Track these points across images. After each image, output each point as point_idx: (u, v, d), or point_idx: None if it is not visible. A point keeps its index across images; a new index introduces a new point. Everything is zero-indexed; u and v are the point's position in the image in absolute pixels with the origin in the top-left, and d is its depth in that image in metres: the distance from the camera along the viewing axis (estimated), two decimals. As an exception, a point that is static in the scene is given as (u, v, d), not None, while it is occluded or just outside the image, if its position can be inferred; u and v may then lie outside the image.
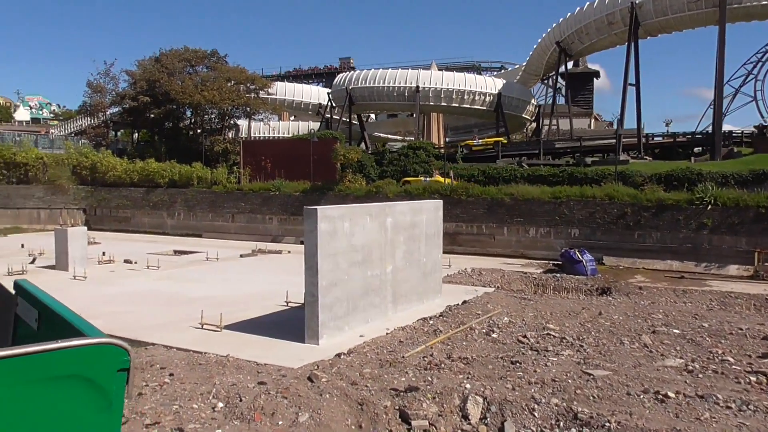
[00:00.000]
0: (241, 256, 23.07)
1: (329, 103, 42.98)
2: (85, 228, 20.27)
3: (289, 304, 13.97)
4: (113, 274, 18.77)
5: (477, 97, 40.80)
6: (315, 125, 48.86)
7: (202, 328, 11.75)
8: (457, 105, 40.78)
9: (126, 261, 21.60)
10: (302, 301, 13.79)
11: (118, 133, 53.25)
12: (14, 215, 35.35)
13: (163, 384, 8.51)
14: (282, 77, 70.25)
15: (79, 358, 2.62)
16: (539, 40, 45.02)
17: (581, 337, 11.15)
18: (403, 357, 9.89)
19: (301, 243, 28.62)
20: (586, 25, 38.59)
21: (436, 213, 14.29)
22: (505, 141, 39.53)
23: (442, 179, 27.98)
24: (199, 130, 45.01)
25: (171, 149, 41.93)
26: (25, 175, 36.03)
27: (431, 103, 40.55)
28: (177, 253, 24.97)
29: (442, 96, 40.27)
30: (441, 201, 15.08)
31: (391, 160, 30.85)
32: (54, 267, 20.05)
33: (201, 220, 30.99)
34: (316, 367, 9.35)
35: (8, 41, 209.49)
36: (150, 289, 16.31)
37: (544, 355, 10.07)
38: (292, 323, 12.15)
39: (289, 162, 33.21)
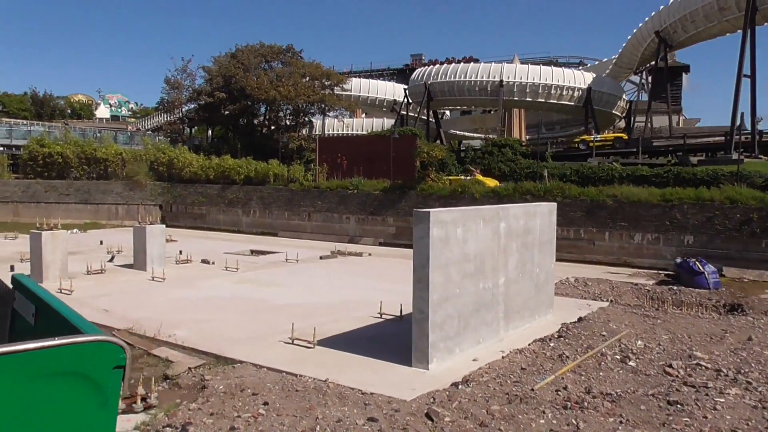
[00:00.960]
0: (321, 257, 21.92)
1: (405, 99, 41.64)
2: (164, 226, 19.58)
3: (383, 316, 12.58)
4: (191, 276, 17.91)
5: (565, 92, 38.48)
6: (388, 122, 47.63)
7: (292, 344, 10.49)
8: (543, 100, 38.57)
9: (203, 261, 20.81)
10: (397, 313, 12.47)
11: (193, 130, 53.50)
12: (93, 210, 35.60)
13: (257, 416, 7.25)
14: (352, 74, 69.48)
15: (76, 355, 2.64)
16: (634, 31, 42.26)
17: (742, 371, 9.27)
18: (533, 390, 8.31)
19: (380, 244, 27.70)
20: (693, 12, 35.72)
21: (549, 217, 12.62)
22: (626, 137, 36.85)
23: (482, 178, 26.85)
24: (273, 127, 44.54)
25: (245, 146, 41.55)
26: (104, 170, 36.25)
27: (515, 98, 38.50)
28: (254, 252, 24.10)
29: (528, 91, 38.14)
30: (555, 204, 13.36)
31: (474, 158, 29.15)
32: (132, 266, 19.42)
33: (276, 219, 30.16)
34: (432, 400, 7.89)
35: (90, 42, 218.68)
36: (231, 293, 15.28)
37: (706, 394, 8.27)
38: (391, 340, 10.77)
39: (365, 159, 31.99)
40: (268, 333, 11.32)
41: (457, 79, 38.97)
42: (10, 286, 4.04)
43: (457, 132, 45.67)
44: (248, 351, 10.04)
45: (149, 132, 56.99)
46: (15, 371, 2.52)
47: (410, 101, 41.55)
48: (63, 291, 14.80)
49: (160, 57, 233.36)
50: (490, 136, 45.34)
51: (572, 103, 38.97)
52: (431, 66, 40.45)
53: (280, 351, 10.13)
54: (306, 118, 43.67)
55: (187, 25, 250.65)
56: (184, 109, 45.62)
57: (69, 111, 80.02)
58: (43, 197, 35.81)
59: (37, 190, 35.90)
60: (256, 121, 45.59)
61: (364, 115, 53.20)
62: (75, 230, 30.64)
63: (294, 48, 44.28)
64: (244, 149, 39.32)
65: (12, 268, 18.37)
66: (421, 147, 27.10)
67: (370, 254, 23.03)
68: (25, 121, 52.51)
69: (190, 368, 9.29)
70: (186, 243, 25.38)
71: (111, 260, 20.52)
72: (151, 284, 16.31)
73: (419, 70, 42.80)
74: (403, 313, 12.39)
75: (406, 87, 45.42)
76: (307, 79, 41.59)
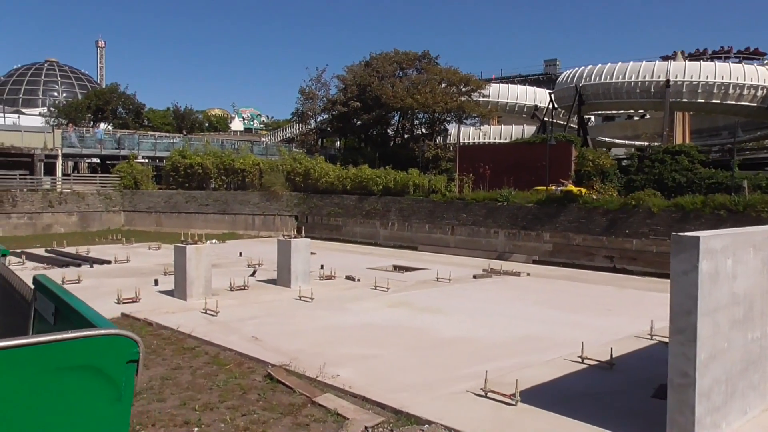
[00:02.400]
0: (475, 276, 19.63)
1: (550, 104, 38.61)
2: (309, 240, 18.19)
3: (585, 361, 10.04)
4: (339, 296, 16.24)
5: (746, 91, 33.60)
6: (528, 129, 44.61)
7: (485, 396, 8.27)
8: (718, 101, 33.79)
9: (348, 277, 19.20)
10: (602, 358, 9.91)
11: (323, 141, 53.24)
12: (231, 221, 35.58)
13: None
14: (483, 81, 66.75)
15: (89, 348, 2.66)
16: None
17: None
18: None
19: (534, 262, 24.87)
20: None
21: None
22: None
23: (575, 189, 25.21)
24: (406, 136, 43.01)
25: (377, 156, 40.29)
26: (242, 181, 36.19)
27: (684, 100, 34.03)
28: (397, 269, 22.27)
29: (700, 91, 33.59)
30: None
31: (641, 166, 25.71)
32: (275, 282, 18.15)
33: (416, 232, 28.26)
34: None
35: (226, 59, 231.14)
36: (387, 320, 13.34)
37: None
38: (614, 400, 8.27)
39: (511, 168, 29.42)
40: (447, 378, 9.19)
41: (614, 80, 35.25)
42: (32, 287, 4.07)
43: (606, 139, 41.87)
44: (433, 406, 7.92)
45: (282, 143, 57.57)
46: (29, 364, 2.53)
47: (555, 106, 38.50)
48: (208, 312, 13.54)
49: (290, 71, 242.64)
50: (643, 144, 41.14)
51: (754, 104, 33.89)
52: (582, 67, 37.20)
53: (473, 408, 7.93)
54: (442, 126, 41.70)
55: (321, 34, 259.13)
56: (318, 119, 45.16)
57: (206, 124, 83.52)
58: (183, 207, 36.32)
59: (179, 200, 36.47)
60: (388, 131, 44.29)
61: (493, 121, 50.46)
62: (214, 241, 30.42)
63: (430, 54, 42.52)
64: (378, 159, 38.04)
65: (156, 282, 17.67)
66: (586, 154, 24.14)
67: (528, 274, 20.43)
68: (167, 134, 54.61)
69: (367, 428, 7.32)
70: (324, 256, 24.11)
71: (253, 274, 19.42)
72: (298, 306, 14.74)
73: (568, 71, 39.55)
74: (613, 357, 9.82)
75: (550, 91, 42.24)
76: (444, 85, 39.62)
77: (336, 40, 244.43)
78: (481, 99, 40.65)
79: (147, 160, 42.72)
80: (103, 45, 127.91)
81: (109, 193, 37.01)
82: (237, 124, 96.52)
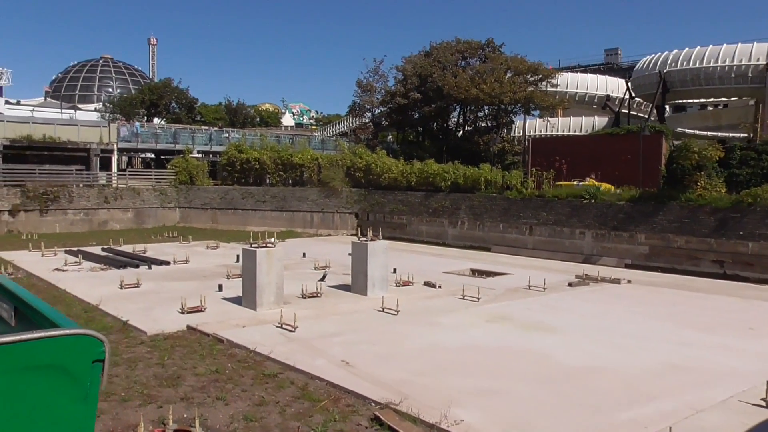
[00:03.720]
0: (570, 284, 17.48)
1: (626, 93, 35.85)
2: (386, 243, 16.39)
3: (771, 405, 7.90)
4: (425, 307, 14.38)
5: None
6: (600, 121, 41.84)
7: (671, 462, 6.27)
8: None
9: (426, 284, 17.35)
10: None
11: (379, 135, 51.49)
12: (289, 218, 34.15)
13: None
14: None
15: (54, 348, 2.63)
16: None
17: None
18: None
19: (627, 266, 22.36)
20: None
21: None
22: None
23: (597, 183, 24.68)
24: (468, 128, 40.86)
25: (438, 150, 38.28)
26: (300, 176, 34.73)
27: (788, 85, 30.79)
28: (476, 273, 20.31)
29: (811, 73, 30.18)
30: None
31: (745, 159, 23.06)
32: (348, 288, 16.43)
33: (489, 231, 26.18)
34: None
35: (276, 54, 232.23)
36: (491, 340, 11.40)
37: None
38: None
39: (590, 163, 27.08)
40: (607, 427, 7.21)
41: (704, 65, 32.18)
42: None
43: (685, 130, 38.79)
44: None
45: (333, 138, 56.04)
46: None
47: (633, 95, 35.70)
48: (285, 326, 11.85)
49: (339, 67, 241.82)
50: (726, 135, 38.02)
51: None
52: (666, 52, 34.28)
53: (664, 482, 5.95)
54: (508, 118, 39.39)
55: (377, 25, 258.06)
56: (375, 112, 43.37)
57: (258, 119, 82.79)
58: (240, 204, 35.08)
59: (235, 196, 35.24)
60: (449, 124, 42.22)
61: (560, 113, 47.74)
62: (273, 239, 28.92)
63: (494, 42, 40.19)
64: (438, 154, 36.07)
65: (220, 287, 16.14)
66: (690, 146, 21.63)
67: (629, 281, 18.17)
68: (216, 129, 53.70)
69: None
70: (391, 257, 22.37)
71: (323, 279, 17.74)
72: (384, 320, 12.93)
73: (648, 57, 36.62)
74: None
75: (624, 79, 39.39)
76: (510, 75, 37.29)
77: (388, 32, 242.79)
78: (549, 89, 38.13)
79: (201, 155, 41.77)
80: (155, 42, 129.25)
81: (164, 189, 36.05)
82: (287, 119, 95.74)
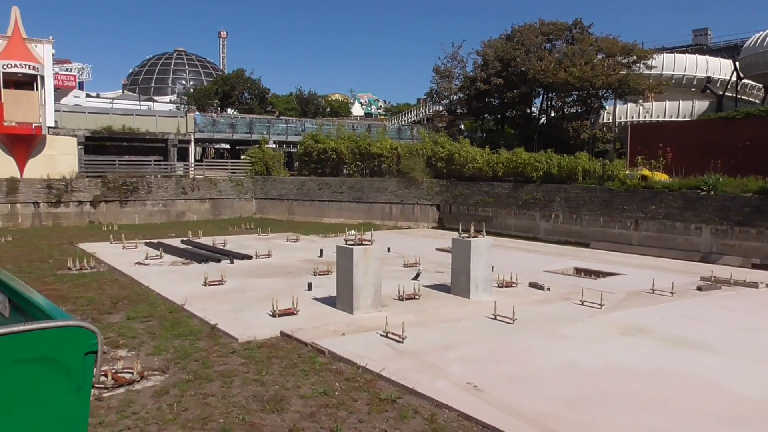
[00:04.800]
0: (700, 288, 15.39)
1: (732, 74, 32.74)
2: (491, 240, 14.77)
3: None
4: (540, 313, 12.72)
5: None
6: (699, 105, 38.63)
7: None
8: None
9: (532, 285, 15.64)
10: None
11: (456, 122, 49.65)
12: (366, 210, 32.95)
13: None
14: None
15: (47, 340, 2.61)
16: None
17: None
18: None
19: (754, 266, 19.25)
20: None
21: None
22: None
23: (649, 173, 23.83)
24: (555, 114, 38.55)
25: (522, 138, 36.22)
26: (378, 167, 33.43)
27: None
28: (582, 273, 18.44)
29: None
30: None
31: None
32: (446, 288, 14.94)
33: (588, 225, 24.12)
34: None
35: (345, 45, 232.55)
36: (637, 359, 9.64)
37: None
38: None
39: (700, 151, 24.58)
40: None
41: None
42: None
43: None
44: None
45: (406, 127, 54.55)
46: None
47: (741, 76, 32.51)
48: (390, 336, 10.45)
49: (408, 56, 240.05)
50: None
51: None
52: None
53: None
54: (598, 103, 36.84)
55: (443, 11, 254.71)
56: (453, 99, 41.57)
57: (328, 109, 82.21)
58: (316, 195, 34.14)
59: (312, 187, 34.32)
60: (532, 110, 40.00)
61: (652, 98, 44.57)
62: (352, 232, 27.75)
63: (582, 22, 37.63)
64: (520, 142, 34.03)
65: (309, 286, 14.94)
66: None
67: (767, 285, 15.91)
68: (294, 119, 53.11)
69: None
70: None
71: (416, 278, 16.30)
72: (500, 329, 11.34)
73: (762, 33, 33.34)
74: None
75: (732, 59, 36.10)
76: (600, 57, 34.76)
77: (458, 18, 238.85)
78: (644, 71, 35.35)
79: (275, 146, 41.12)
80: (225, 36, 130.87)
81: (241, 180, 35.52)
82: (357, 109, 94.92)
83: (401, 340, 10.21)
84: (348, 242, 12.91)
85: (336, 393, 8.08)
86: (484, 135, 38.54)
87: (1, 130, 29.30)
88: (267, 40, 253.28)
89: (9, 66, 29.29)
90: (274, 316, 12.09)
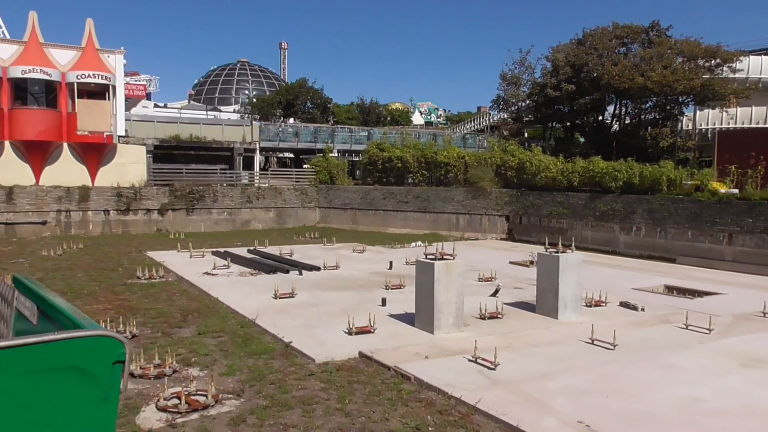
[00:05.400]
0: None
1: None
2: (581, 256, 13.66)
3: None
4: (639, 337, 11.54)
5: None
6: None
7: None
8: None
9: (624, 305, 14.41)
10: None
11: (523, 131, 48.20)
12: (432, 220, 32.06)
13: None
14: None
15: (75, 349, 2.64)
16: None
17: None
18: None
19: None
20: None
21: None
22: None
23: (705, 182, 22.29)
24: (631, 121, 36.79)
25: (595, 146, 34.64)
26: (444, 176, 32.50)
27: None
28: (674, 291, 17.01)
29: None
30: None
31: None
32: (528, 306, 13.90)
33: (674, 239, 22.52)
34: None
35: (404, 54, 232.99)
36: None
37: None
38: None
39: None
40: None
41: None
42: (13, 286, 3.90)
43: None
44: None
45: (470, 135, 53.39)
46: (13, 366, 2.50)
47: None
48: (480, 361, 9.52)
49: (468, 64, 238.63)
50: None
51: None
52: None
53: None
54: (678, 109, 34.91)
55: (505, 19, 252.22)
56: (520, 106, 40.28)
57: (389, 118, 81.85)
58: (381, 204, 33.48)
59: (376, 196, 33.68)
60: (604, 117, 38.31)
61: (734, 104, 41.94)
62: (419, 242, 26.99)
63: (659, 25, 35.80)
64: (591, 150, 32.48)
65: (383, 302, 14.17)
66: None
67: None
68: (357, 128, 52.79)
69: None
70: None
71: (495, 294, 15.31)
72: (598, 355, 10.24)
73: None
74: None
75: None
76: (680, 60, 32.89)
77: (521, 25, 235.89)
78: (728, 75, 33.26)
79: (338, 154, 40.78)
80: (286, 47, 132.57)
81: (305, 189, 35.23)
82: (417, 118, 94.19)
83: (493, 366, 9.27)
84: (428, 256, 12.04)
85: (430, 428, 7.23)
86: (554, 143, 37.05)
87: (75, 138, 29.87)
88: (327, 50, 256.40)
89: (83, 76, 29.88)
90: (350, 334, 11.36)
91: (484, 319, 12.80)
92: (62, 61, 29.99)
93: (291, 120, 56.70)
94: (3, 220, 27.93)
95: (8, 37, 38.82)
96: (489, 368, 9.28)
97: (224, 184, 33.63)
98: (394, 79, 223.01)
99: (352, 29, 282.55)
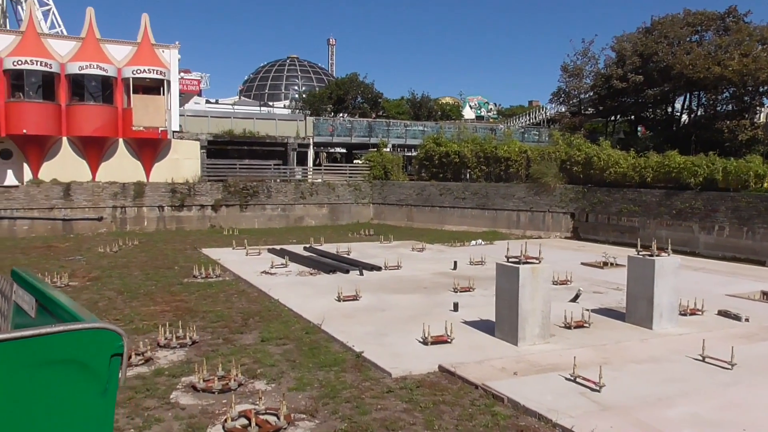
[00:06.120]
0: None
1: None
2: (678, 259, 12.32)
3: None
4: (754, 354, 10.15)
5: None
6: None
7: None
8: None
9: (723, 313, 13.00)
10: None
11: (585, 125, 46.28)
12: (491, 217, 30.78)
13: None
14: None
15: (73, 342, 2.64)
16: None
17: None
18: None
19: None
20: None
21: None
22: None
23: None
24: (701, 113, 34.70)
25: (664, 140, 32.74)
26: (504, 171, 31.17)
27: None
28: (773, 298, 15.43)
29: None
30: None
31: None
32: (619, 315, 12.64)
33: (763, 240, 20.75)
34: None
35: (453, 50, 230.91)
36: None
37: None
38: None
39: None
40: None
41: None
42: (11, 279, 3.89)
43: None
44: None
45: (520, 129, 51.67)
46: (11, 359, 2.51)
47: None
48: (581, 381, 8.38)
49: (516, 57, 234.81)
50: None
51: None
52: None
53: None
54: (759, 100, 32.74)
55: (567, 9, 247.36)
56: (582, 98, 38.53)
57: (439, 112, 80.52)
58: (437, 201, 32.38)
59: (432, 192, 32.61)
60: (674, 109, 36.28)
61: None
62: (479, 241, 25.84)
63: (737, 10, 33.58)
64: (659, 144, 30.61)
65: (456, 307, 13.11)
66: None
67: None
68: (411, 122, 51.69)
69: None
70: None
71: (575, 299, 14.08)
72: (715, 376, 8.96)
73: None
74: None
75: None
76: (762, 47, 30.73)
77: (600, 10, 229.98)
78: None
79: (388, 149, 39.82)
80: (334, 43, 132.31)
81: (359, 184, 34.41)
82: (468, 112, 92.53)
83: (597, 388, 8.11)
84: (510, 260, 10.93)
85: (540, 467, 6.16)
86: (623, 136, 35.26)
87: (130, 134, 29.73)
88: (373, 44, 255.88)
89: (138, 71, 29.69)
90: (425, 343, 10.37)
91: (569, 328, 11.63)
92: (118, 57, 29.88)
93: (341, 115, 56.05)
94: (60, 216, 27.96)
95: (65, 33, 39.17)
96: (592, 389, 8.13)
97: (278, 180, 33.10)
98: (443, 73, 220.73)
99: (399, 23, 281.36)
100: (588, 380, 8.31)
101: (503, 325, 10.84)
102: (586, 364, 8.90)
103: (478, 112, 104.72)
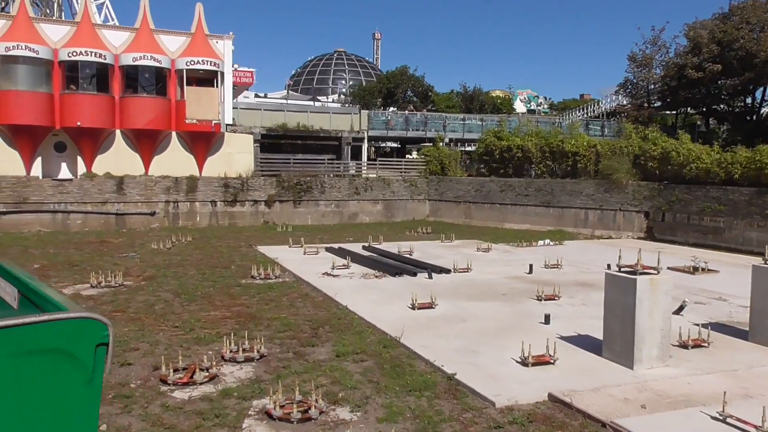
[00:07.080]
0: None
1: None
2: (815, 269, 10.66)
3: None
4: None
5: None
6: None
7: None
8: None
9: None
10: None
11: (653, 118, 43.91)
12: (557, 215, 29.08)
13: None
14: None
15: (58, 332, 2.60)
16: None
17: None
18: None
19: None
20: None
21: None
22: None
23: None
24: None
25: (746, 134, 30.43)
26: (571, 166, 29.38)
27: None
28: None
29: None
30: None
31: None
32: (736, 332, 11.04)
33: None
34: None
35: (501, 41, 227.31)
36: None
37: None
38: None
39: None
40: None
41: None
42: None
43: None
44: None
45: (588, 122, 49.44)
46: None
47: None
48: (732, 422, 6.90)
49: (566, 51, 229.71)
50: None
51: None
52: None
53: None
54: None
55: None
56: (651, 88, 36.34)
57: (490, 106, 78.64)
58: (497, 197, 30.83)
59: (492, 189, 31.06)
60: (755, 101, 33.85)
61: None
62: (547, 241, 24.22)
63: (829, -9, 30.99)
64: (758, 139, 28.36)
65: (547, 319, 11.67)
66: None
67: None
68: (469, 116, 50.04)
69: None
70: (723, 276, 17.21)
71: (679, 311, 12.43)
72: None
73: None
74: None
75: None
76: None
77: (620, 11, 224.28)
78: None
79: (445, 143, 38.37)
80: (379, 37, 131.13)
81: (415, 180, 33.11)
82: (519, 106, 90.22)
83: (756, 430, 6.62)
84: (622, 269, 9.44)
85: None
86: (705, 129, 33.05)
87: (183, 127, 29.07)
88: (419, 38, 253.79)
89: (192, 63, 29.00)
90: (524, 365, 9.00)
91: (685, 347, 10.08)
92: (172, 48, 29.24)
93: (390, 109, 54.83)
94: (114, 210, 27.48)
95: (117, 24, 38.90)
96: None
97: (331, 175, 32.05)
98: (491, 66, 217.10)
99: (445, 15, 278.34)
100: (745, 422, 6.81)
101: (614, 344, 9.38)
102: (717, 395, 7.40)
103: (528, 105, 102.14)
